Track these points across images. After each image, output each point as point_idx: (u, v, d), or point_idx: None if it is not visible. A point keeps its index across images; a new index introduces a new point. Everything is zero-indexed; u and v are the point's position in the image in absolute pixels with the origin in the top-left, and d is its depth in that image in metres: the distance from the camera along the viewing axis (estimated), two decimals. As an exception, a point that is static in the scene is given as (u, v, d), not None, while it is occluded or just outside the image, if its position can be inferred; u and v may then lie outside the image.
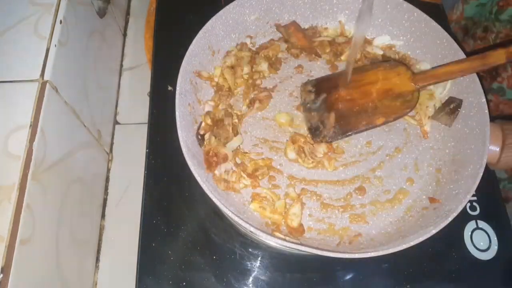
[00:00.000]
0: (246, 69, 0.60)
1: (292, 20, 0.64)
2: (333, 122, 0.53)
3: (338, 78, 0.58)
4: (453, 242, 0.58)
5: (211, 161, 0.51)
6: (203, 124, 0.55)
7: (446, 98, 0.58)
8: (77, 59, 0.63)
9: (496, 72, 0.73)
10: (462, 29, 0.81)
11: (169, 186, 0.59)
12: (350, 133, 0.54)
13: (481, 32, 0.74)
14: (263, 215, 0.51)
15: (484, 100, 0.53)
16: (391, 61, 0.59)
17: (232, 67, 0.60)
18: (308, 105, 0.57)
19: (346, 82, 0.55)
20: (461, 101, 0.56)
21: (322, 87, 0.57)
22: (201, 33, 0.55)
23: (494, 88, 0.73)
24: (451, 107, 0.56)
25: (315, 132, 0.55)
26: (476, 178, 0.48)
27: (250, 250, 0.56)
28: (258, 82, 0.60)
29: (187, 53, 0.53)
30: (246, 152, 0.55)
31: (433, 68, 0.58)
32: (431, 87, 0.60)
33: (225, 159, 0.51)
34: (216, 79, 0.59)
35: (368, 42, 0.65)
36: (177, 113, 0.49)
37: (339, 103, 0.55)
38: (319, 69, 0.63)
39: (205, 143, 0.53)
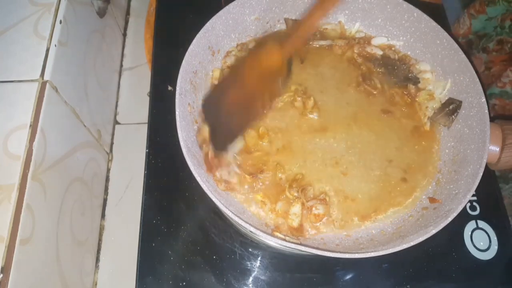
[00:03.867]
0: None
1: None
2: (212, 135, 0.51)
3: (219, 88, 0.55)
4: (453, 242, 0.58)
5: (211, 164, 0.51)
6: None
7: (446, 98, 0.58)
8: (77, 59, 0.63)
9: (494, 77, 0.73)
10: (470, 43, 0.81)
11: (169, 186, 0.59)
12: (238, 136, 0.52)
13: (496, 45, 0.74)
14: (263, 209, 0.51)
15: (484, 100, 0.53)
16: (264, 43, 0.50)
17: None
18: (206, 118, 0.53)
19: (227, 88, 0.51)
20: (460, 102, 0.56)
21: (213, 101, 0.53)
22: (201, 33, 0.55)
23: (496, 93, 0.74)
24: (450, 108, 0.56)
25: (216, 143, 0.52)
26: (476, 178, 0.48)
27: (250, 250, 0.56)
28: None
29: (187, 53, 0.53)
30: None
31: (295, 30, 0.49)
32: (430, 87, 0.60)
33: (225, 162, 0.51)
34: (215, 82, 0.59)
35: (367, 42, 0.65)
36: (177, 113, 0.49)
37: (226, 110, 0.51)
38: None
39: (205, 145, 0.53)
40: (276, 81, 0.49)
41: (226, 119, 0.51)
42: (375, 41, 0.65)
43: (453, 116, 0.56)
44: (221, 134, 0.51)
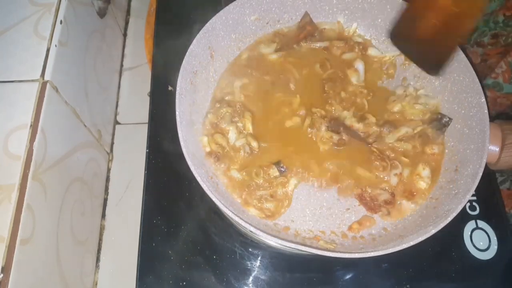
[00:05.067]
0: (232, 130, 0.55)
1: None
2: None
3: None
4: (453, 242, 0.58)
5: None
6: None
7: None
8: (78, 59, 0.63)
9: (490, 68, 0.73)
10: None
11: (169, 186, 0.59)
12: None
13: (490, 39, 0.74)
14: None
15: (483, 100, 0.53)
16: None
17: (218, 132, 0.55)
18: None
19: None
20: (450, 119, 0.56)
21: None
22: (201, 33, 0.55)
23: (489, 84, 0.74)
24: (442, 122, 0.56)
25: (424, 64, 0.55)
26: (475, 178, 0.48)
27: (250, 250, 0.56)
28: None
29: (187, 53, 0.53)
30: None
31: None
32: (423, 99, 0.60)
33: None
34: (207, 149, 0.54)
35: (368, 42, 0.65)
36: (177, 113, 0.49)
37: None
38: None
39: None
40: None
41: (428, 43, 0.52)
42: (374, 41, 0.65)
43: (443, 129, 0.56)
44: (429, 59, 0.54)
